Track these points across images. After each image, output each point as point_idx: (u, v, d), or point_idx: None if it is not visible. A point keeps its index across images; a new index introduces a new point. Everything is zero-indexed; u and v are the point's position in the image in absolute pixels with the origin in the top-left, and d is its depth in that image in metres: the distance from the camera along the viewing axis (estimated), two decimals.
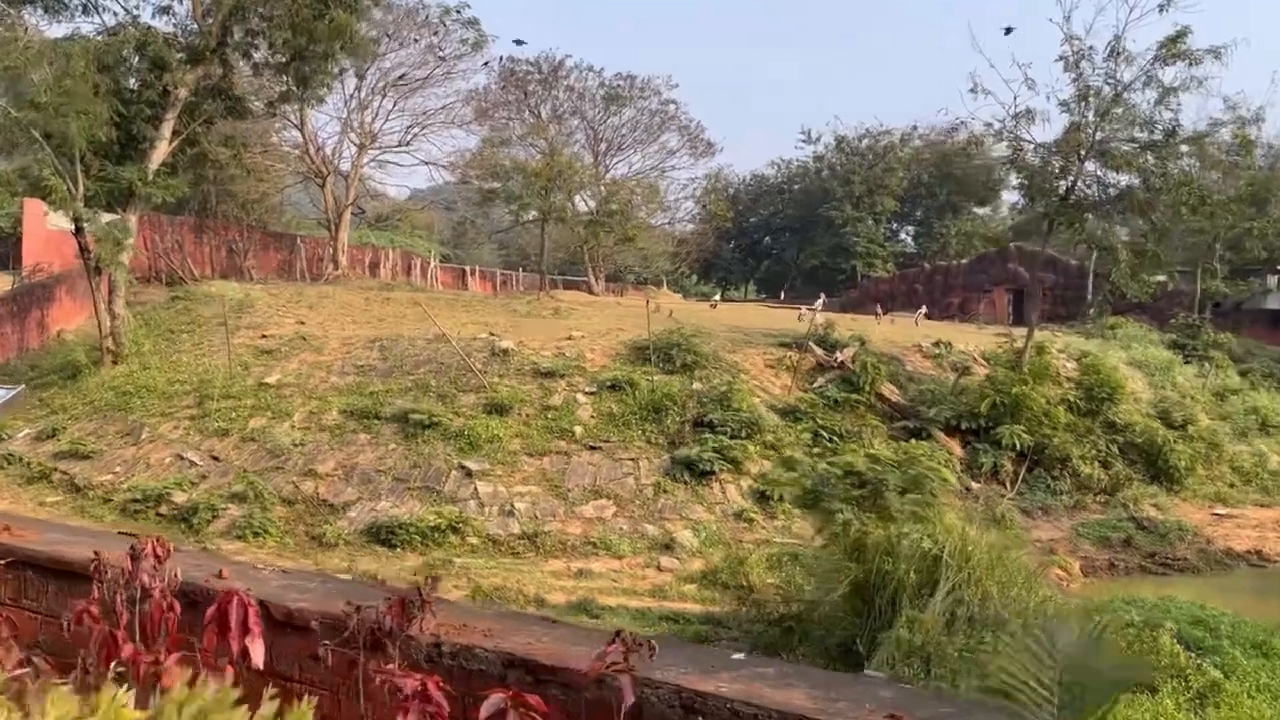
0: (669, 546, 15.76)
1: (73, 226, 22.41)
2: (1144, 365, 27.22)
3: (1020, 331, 26.22)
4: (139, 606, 3.95)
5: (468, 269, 52.64)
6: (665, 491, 17.14)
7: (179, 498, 16.70)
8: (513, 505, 16.49)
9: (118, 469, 18.07)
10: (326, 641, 3.24)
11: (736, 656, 3.56)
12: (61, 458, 18.56)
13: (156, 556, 3.83)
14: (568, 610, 12.54)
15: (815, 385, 21.42)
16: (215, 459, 18.02)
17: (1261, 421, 25.49)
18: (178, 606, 3.71)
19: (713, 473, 17.48)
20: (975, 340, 27.25)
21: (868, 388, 21.05)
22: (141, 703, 3.55)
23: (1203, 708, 8.22)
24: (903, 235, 70.53)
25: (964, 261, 54.85)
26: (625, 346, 22.22)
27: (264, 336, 23.64)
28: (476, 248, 65.53)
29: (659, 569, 15.17)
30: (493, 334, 23.08)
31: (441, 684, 3.11)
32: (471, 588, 13.44)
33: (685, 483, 17.38)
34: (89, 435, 19.31)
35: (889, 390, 21.68)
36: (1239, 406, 26.10)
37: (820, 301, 32.06)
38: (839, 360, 22.09)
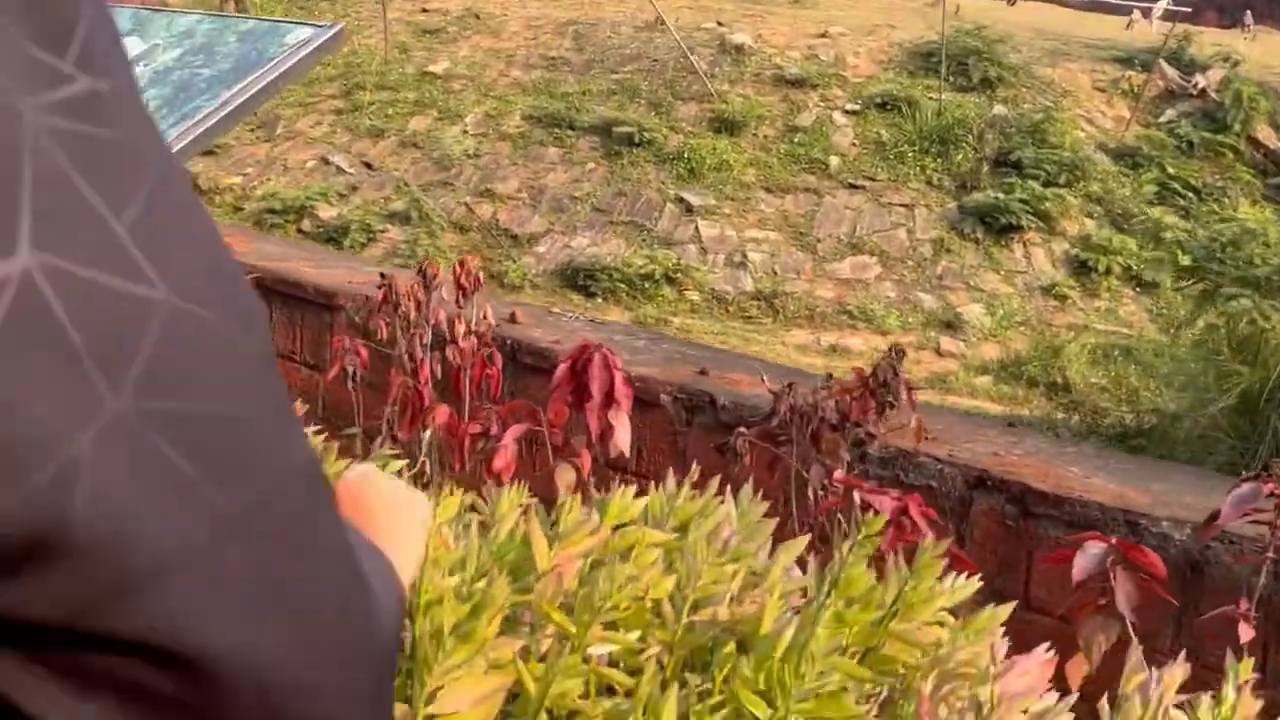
0: (951, 325, 15.33)
1: None
2: None
3: None
4: (430, 356, 3.71)
5: None
6: (949, 251, 16.53)
7: (325, 212, 17.09)
8: (745, 255, 16.31)
9: (249, 170, 18.58)
10: (743, 430, 2.90)
11: None
12: (179, 150, 19.17)
13: (460, 286, 3.53)
14: None
15: (1163, 120, 19.88)
16: (368, 166, 18.31)
17: None
18: (499, 359, 3.44)
19: (1017, 229, 16.66)
20: None
21: (1238, 127, 19.41)
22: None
23: None
24: None
25: None
26: (901, 51, 21.04)
27: (424, 11, 23.46)
28: None
29: (938, 352, 14.81)
30: (720, 24, 22.24)
31: (925, 509, 2.73)
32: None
33: (976, 241, 16.70)
34: None
35: (1266, 134, 19.96)
36: None
37: (1164, 1, 29.29)
38: (1198, 87, 20.37)
